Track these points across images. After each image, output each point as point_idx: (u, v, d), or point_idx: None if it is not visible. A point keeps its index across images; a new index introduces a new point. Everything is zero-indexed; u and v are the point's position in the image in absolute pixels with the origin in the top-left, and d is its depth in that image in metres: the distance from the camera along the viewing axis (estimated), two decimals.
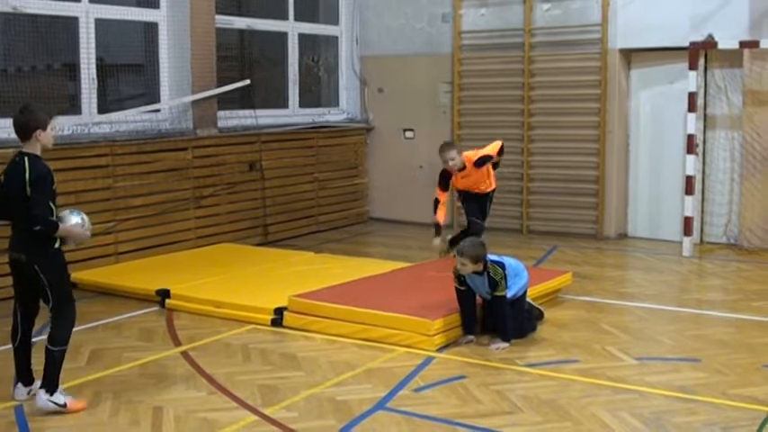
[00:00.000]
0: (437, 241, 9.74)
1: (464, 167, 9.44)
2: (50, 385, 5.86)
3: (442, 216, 9.69)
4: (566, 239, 12.12)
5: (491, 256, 7.35)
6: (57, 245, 5.82)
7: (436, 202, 9.70)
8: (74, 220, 5.93)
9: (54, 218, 5.76)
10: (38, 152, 5.81)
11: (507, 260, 7.52)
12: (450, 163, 9.37)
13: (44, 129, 5.79)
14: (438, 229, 9.68)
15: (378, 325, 7.44)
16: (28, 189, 5.66)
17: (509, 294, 7.37)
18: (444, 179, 9.65)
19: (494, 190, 9.88)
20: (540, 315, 7.98)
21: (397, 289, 8.41)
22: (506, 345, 7.24)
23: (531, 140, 12.65)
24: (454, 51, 13.07)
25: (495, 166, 9.79)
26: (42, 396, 5.84)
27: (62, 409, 5.84)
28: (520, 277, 7.58)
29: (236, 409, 5.94)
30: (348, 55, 13.96)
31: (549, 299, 8.67)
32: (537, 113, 12.60)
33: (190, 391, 6.30)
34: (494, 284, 7.23)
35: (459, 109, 13.14)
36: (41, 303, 5.98)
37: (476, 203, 9.73)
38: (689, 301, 9.05)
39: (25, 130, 5.77)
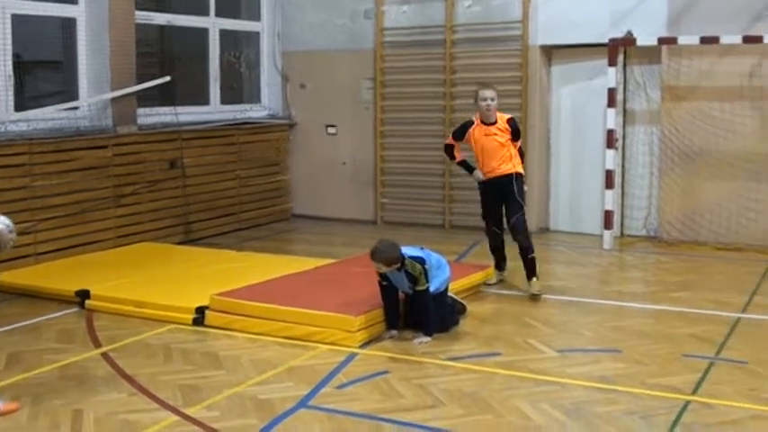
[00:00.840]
0: (478, 174, 9.03)
1: (495, 122, 8.83)
2: None
3: (459, 155, 9.15)
4: None
5: (410, 252, 7.36)
6: None
7: (449, 147, 9.19)
8: None
9: None
10: None
11: (428, 254, 7.54)
12: (491, 103, 8.72)
13: None
14: (467, 165, 9.14)
15: (300, 323, 7.41)
16: None
17: (431, 289, 7.40)
18: (462, 128, 9.05)
19: (520, 176, 8.95)
20: (463, 309, 8.03)
21: (320, 286, 8.38)
22: (429, 339, 7.27)
23: None
24: (376, 48, 13.08)
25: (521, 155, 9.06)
26: None
27: None
28: (441, 271, 7.60)
29: (158, 410, 5.86)
30: (270, 51, 13.87)
31: (472, 293, 8.71)
32: (459, 109, 12.65)
33: (110, 393, 6.20)
34: (413, 280, 7.25)
35: (381, 105, 13.15)
36: None
37: (501, 195, 8.95)
38: (610, 293, 9.17)
39: None
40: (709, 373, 6.52)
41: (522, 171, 8.96)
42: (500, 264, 9.43)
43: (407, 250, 7.37)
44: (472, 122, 8.94)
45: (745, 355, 6.93)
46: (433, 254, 7.65)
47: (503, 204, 9.02)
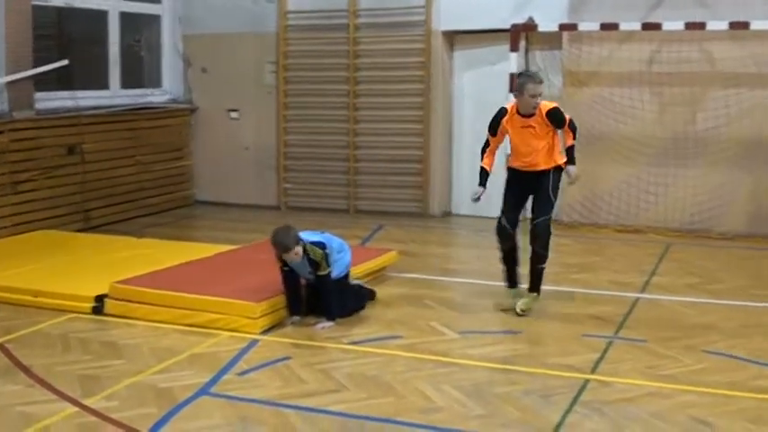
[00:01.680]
0: (479, 190, 7.78)
1: (533, 114, 7.48)
2: None
3: (489, 162, 7.80)
4: (392, 218, 12.26)
5: (311, 237, 7.35)
6: None
7: (486, 145, 7.85)
8: None
9: None
10: None
11: (329, 238, 7.53)
12: (540, 101, 7.42)
13: None
14: (484, 177, 7.78)
15: (202, 310, 7.33)
16: None
17: (333, 273, 7.39)
18: (495, 121, 7.69)
19: (558, 169, 7.68)
20: (372, 295, 8.02)
21: (222, 272, 8.30)
22: (331, 324, 7.26)
23: (357, 121, 12.72)
24: (279, 31, 12.99)
25: (570, 152, 7.72)
26: None
27: None
28: (342, 255, 7.60)
29: (55, 401, 5.74)
30: (171, 34, 13.66)
31: (375, 277, 8.73)
32: (362, 94, 12.68)
33: (6, 385, 6.04)
34: (314, 265, 7.23)
35: (284, 89, 13.08)
36: None
37: (528, 188, 7.70)
38: None
39: None
40: (607, 353, 6.66)
41: (561, 163, 7.67)
42: (514, 275, 7.97)
43: (307, 235, 7.35)
44: (505, 111, 7.63)
45: (644, 334, 7.10)
46: (334, 237, 7.64)
47: (526, 199, 7.77)
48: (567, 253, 10.31)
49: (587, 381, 6.05)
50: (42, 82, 11.29)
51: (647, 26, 10.84)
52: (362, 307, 7.75)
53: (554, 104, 7.56)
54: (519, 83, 7.52)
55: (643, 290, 8.52)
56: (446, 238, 11.41)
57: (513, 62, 11.35)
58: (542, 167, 7.58)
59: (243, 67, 13.32)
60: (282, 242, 7.15)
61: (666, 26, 10.70)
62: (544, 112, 7.45)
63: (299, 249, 7.15)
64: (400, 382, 6.00)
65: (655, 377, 6.13)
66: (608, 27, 10.97)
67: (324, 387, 5.95)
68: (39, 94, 11.22)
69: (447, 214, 12.60)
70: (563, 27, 11.30)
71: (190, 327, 7.27)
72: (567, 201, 11.74)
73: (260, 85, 13.27)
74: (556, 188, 7.64)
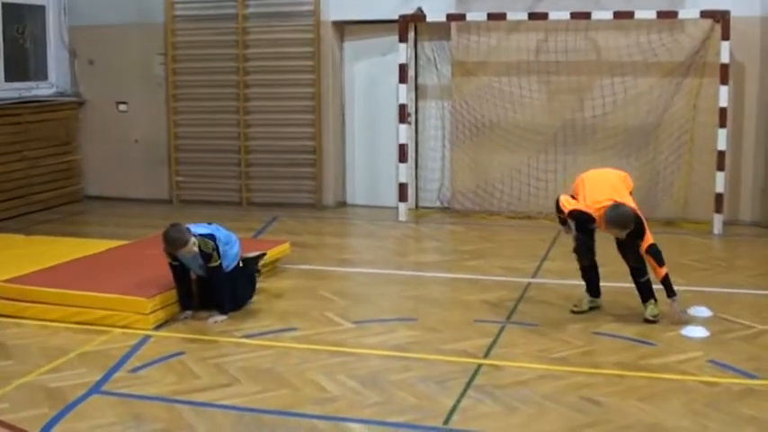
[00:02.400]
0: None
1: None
2: None
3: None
4: (286, 210, 12.23)
5: (199, 229, 7.28)
6: None
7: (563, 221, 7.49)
8: None
9: None
10: None
11: (217, 228, 7.48)
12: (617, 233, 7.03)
13: None
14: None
15: (92, 307, 7.20)
16: None
17: (224, 264, 7.34)
18: (587, 222, 7.10)
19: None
20: (258, 261, 7.94)
21: (113, 268, 8.14)
22: (224, 317, 7.22)
23: (248, 112, 12.63)
24: (167, 21, 12.79)
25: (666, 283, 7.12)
26: None
27: None
28: (231, 246, 7.54)
29: None
30: (56, 25, 13.32)
31: (269, 269, 8.69)
32: (252, 85, 12.59)
33: None
34: (206, 257, 7.18)
35: (173, 81, 12.89)
36: None
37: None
38: (406, 263, 9.38)
39: None
40: (500, 337, 6.78)
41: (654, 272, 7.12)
42: (596, 287, 7.56)
43: (196, 228, 7.29)
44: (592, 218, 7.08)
45: (536, 318, 7.26)
46: (221, 229, 7.58)
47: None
48: (460, 240, 10.46)
49: (480, 365, 6.15)
50: None
51: (533, 16, 11.03)
52: (250, 296, 7.68)
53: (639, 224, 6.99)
54: None
55: (534, 275, 8.69)
56: (341, 229, 11.43)
57: (403, 53, 11.42)
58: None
59: (131, 58, 13.08)
60: (178, 239, 7.07)
61: (553, 16, 10.90)
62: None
63: (194, 242, 7.09)
64: (295, 374, 6.00)
65: (547, 360, 6.27)
66: (495, 17, 11.12)
67: (217, 381, 5.92)
68: None
69: (341, 204, 12.62)
70: (451, 17, 11.41)
71: (81, 324, 7.13)
72: (458, 189, 11.91)
73: (149, 77, 13.05)
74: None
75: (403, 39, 11.43)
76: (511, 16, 11.08)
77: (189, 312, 7.31)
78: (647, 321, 7.11)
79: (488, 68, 11.65)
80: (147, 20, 12.89)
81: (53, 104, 13.03)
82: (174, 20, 12.79)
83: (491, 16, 11.13)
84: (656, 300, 7.21)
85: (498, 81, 11.57)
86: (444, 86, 11.98)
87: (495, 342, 6.66)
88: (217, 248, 7.22)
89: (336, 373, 6.00)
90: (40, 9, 13.27)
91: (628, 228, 6.91)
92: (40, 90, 13.12)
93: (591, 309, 7.44)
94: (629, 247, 7.11)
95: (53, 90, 13.32)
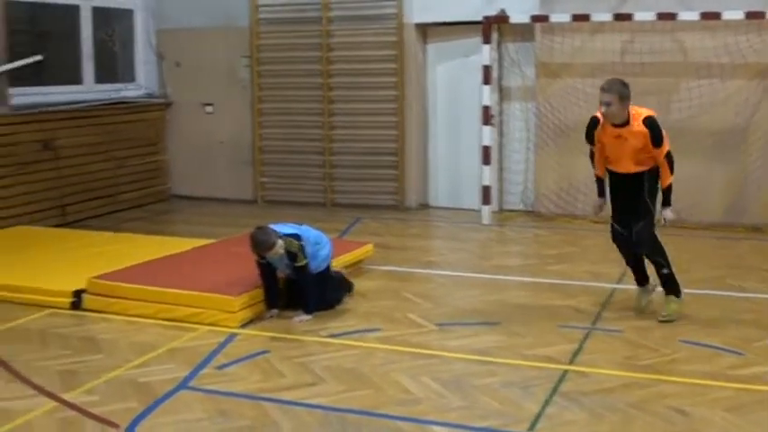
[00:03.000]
0: (599, 201, 7.49)
1: (626, 123, 6.97)
2: None
3: (600, 169, 7.39)
4: (369, 211, 12.29)
5: (285, 229, 7.36)
6: None
7: (591, 154, 7.45)
8: None
9: None
10: None
11: (306, 230, 7.54)
12: (606, 109, 6.91)
13: None
14: (601, 186, 7.44)
15: (180, 304, 7.34)
16: None
17: (312, 266, 7.40)
18: (588, 130, 7.28)
19: (653, 172, 7.10)
20: (350, 287, 8.01)
21: (200, 266, 8.29)
22: (309, 317, 7.29)
23: (332, 114, 12.72)
24: (252, 25, 12.95)
25: (666, 193, 7.13)
26: None
27: None
28: (321, 247, 7.60)
29: (35, 397, 5.74)
30: (144, 29, 13.60)
31: (352, 270, 8.73)
32: (336, 87, 12.68)
33: None
34: (292, 257, 7.24)
35: (258, 83, 13.05)
36: None
37: (626, 197, 7.23)
38: (489, 267, 9.33)
39: None
40: (585, 343, 6.70)
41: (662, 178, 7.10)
42: (644, 277, 7.56)
43: (282, 228, 7.36)
44: (596, 121, 7.17)
45: (621, 324, 7.15)
46: (310, 230, 7.65)
47: (630, 201, 7.23)
48: (544, 244, 10.39)
49: (565, 372, 6.09)
50: (16, 78, 11.22)
51: (618, 17, 10.91)
52: (340, 300, 7.75)
53: (650, 112, 7.03)
54: None
55: (619, 281, 8.58)
56: (423, 231, 11.44)
57: (486, 54, 11.39)
58: (634, 170, 7.11)
59: (217, 61, 13.28)
60: (265, 242, 7.16)
61: (638, 17, 10.77)
62: (641, 119, 6.94)
63: (281, 243, 7.17)
64: (379, 375, 6.02)
65: (632, 367, 6.18)
66: (580, 18, 11.03)
67: (302, 380, 5.97)
68: (12, 90, 11.15)
69: (423, 206, 12.63)
70: (535, 18, 11.35)
71: (168, 321, 7.27)
72: (541, 192, 11.82)
73: (234, 79, 13.23)
74: (654, 191, 7.13)
75: (486, 40, 11.40)
76: (595, 17, 10.98)
77: (275, 311, 7.39)
78: (661, 321, 7.16)
79: (573, 70, 11.55)
80: (233, 23, 13.07)
81: (141, 106, 13.29)
82: (258, 23, 12.95)
83: (575, 17, 11.04)
84: (678, 295, 7.25)
85: (582, 83, 11.46)
86: (528, 88, 11.91)
87: (580, 348, 6.60)
88: (303, 248, 7.28)
89: (420, 376, 6.00)
90: (129, 13, 13.56)
91: (614, 88, 6.85)
92: (129, 92, 13.39)
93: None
94: (637, 205, 7.06)
95: (141, 92, 13.59)
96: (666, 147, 6.99)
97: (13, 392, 5.83)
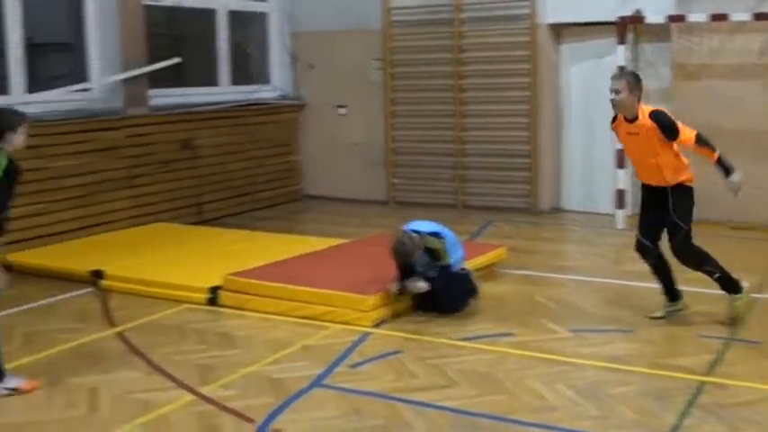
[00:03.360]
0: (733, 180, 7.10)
1: (636, 119, 6.93)
2: None
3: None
4: (501, 214, 12.21)
5: (427, 227, 7.36)
6: None
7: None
8: None
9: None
10: (9, 149, 5.80)
11: (444, 229, 7.54)
12: (615, 97, 6.90)
13: (14, 131, 5.83)
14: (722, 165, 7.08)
15: (314, 302, 7.44)
16: None
17: (450, 261, 7.41)
18: (611, 124, 7.32)
19: (680, 187, 7.08)
20: (476, 292, 7.90)
21: (334, 265, 8.39)
22: (425, 286, 7.28)
23: (464, 116, 12.70)
24: (384, 27, 13.04)
25: (721, 164, 7.03)
26: None
27: (15, 393, 5.80)
28: (457, 248, 7.59)
29: (173, 389, 5.91)
30: (278, 31, 13.85)
31: (484, 273, 8.69)
32: (468, 89, 12.65)
33: (126, 372, 6.26)
34: (434, 255, 7.26)
35: (391, 85, 13.13)
36: None
37: (653, 211, 7.20)
38: (623, 273, 9.11)
39: None
40: (724, 354, 6.50)
41: (684, 179, 7.10)
42: (669, 290, 7.47)
43: (423, 225, 7.37)
44: (615, 115, 7.17)
45: (761, 335, 6.92)
46: (446, 230, 7.63)
47: (657, 212, 7.18)
48: None
49: (703, 383, 5.92)
50: (155, 79, 11.58)
51: (759, 16, 10.56)
52: (467, 303, 7.65)
53: (658, 108, 6.93)
54: None
55: (759, 290, 8.30)
56: (555, 234, 11.30)
57: (621, 55, 11.18)
58: (658, 183, 7.04)
59: (350, 63, 13.42)
60: (407, 253, 7.22)
61: None
62: (647, 114, 6.85)
63: (420, 251, 7.19)
64: (512, 380, 5.98)
65: None
66: (718, 18, 10.71)
67: (435, 382, 5.97)
68: (152, 91, 11.51)
69: (556, 210, 12.49)
70: (671, 18, 11.07)
71: (302, 319, 7.38)
72: None
73: (367, 81, 13.35)
74: (680, 209, 7.02)
75: (621, 41, 11.18)
76: (734, 17, 10.65)
77: (397, 284, 7.39)
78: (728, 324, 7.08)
79: (710, 71, 11.23)
80: (366, 26, 13.18)
81: (276, 107, 13.54)
82: (391, 26, 13.03)
83: (713, 17, 10.73)
84: (738, 291, 7.18)
85: (721, 85, 11.14)
86: (664, 90, 11.61)
87: (718, 359, 6.40)
88: (446, 247, 7.27)
89: (554, 382, 5.93)
90: (264, 16, 13.82)
91: (624, 76, 6.97)
92: (264, 93, 13.65)
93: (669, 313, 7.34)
94: (666, 222, 7.03)
95: (276, 93, 13.83)
96: (690, 133, 6.88)
97: (153, 384, 6.02)
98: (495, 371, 6.16)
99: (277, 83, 13.95)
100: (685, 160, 7.13)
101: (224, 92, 12.95)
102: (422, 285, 7.30)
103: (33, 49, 10.35)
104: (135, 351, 6.71)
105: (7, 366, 5.95)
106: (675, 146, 6.96)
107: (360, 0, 13.23)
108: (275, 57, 13.93)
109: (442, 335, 6.98)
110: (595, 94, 12.02)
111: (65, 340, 6.96)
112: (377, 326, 7.19)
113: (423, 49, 12.90)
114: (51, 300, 8.17)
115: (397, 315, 7.44)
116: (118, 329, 7.27)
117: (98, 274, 8.59)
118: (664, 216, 7.09)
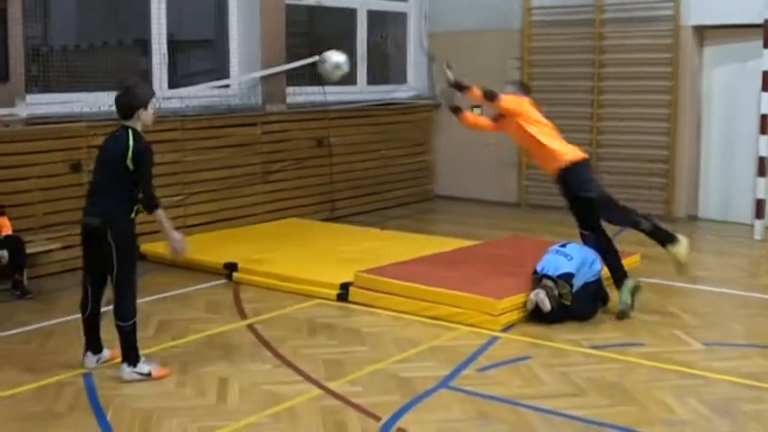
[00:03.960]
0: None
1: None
2: (131, 358, 6.02)
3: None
4: None
5: (557, 267, 7.31)
6: (133, 215, 5.94)
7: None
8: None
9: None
10: (138, 129, 5.95)
11: (577, 254, 7.44)
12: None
13: (146, 108, 5.95)
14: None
15: (443, 303, 7.43)
16: (129, 162, 5.80)
17: (579, 282, 7.31)
18: None
19: (570, 169, 7.73)
20: (606, 299, 7.80)
21: (463, 267, 8.35)
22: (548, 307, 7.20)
23: (601, 119, 12.50)
24: (524, 27, 12.95)
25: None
26: (126, 369, 6.01)
27: (148, 378, 6.00)
28: (590, 267, 7.47)
29: (301, 383, 6.00)
30: (416, 31, 13.90)
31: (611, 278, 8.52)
32: (607, 91, 12.44)
33: (255, 364, 6.39)
34: (559, 295, 7.20)
35: (529, 85, 12.98)
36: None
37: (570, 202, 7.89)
38: (759, 286, 8.84)
39: (128, 108, 5.92)
40: None
41: (564, 163, 7.71)
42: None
43: (553, 263, 7.33)
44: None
45: None
46: (580, 250, 7.52)
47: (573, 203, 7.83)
48: None
49: None
50: (293, 77, 11.76)
51: None
52: (595, 312, 7.52)
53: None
54: None
55: None
56: (692, 243, 10.94)
57: (767, 59, 10.81)
58: (549, 166, 7.87)
59: (487, 63, 13.32)
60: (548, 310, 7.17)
61: None
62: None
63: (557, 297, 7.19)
64: (642, 392, 5.85)
65: None
66: None
67: (564, 390, 5.90)
68: (290, 89, 11.70)
69: (693, 218, 12.15)
70: None
71: (431, 319, 7.39)
72: None
73: (504, 81, 13.21)
74: (582, 183, 7.66)
75: None
76: None
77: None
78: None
79: None
80: (504, 26, 13.11)
81: (410, 107, 13.59)
82: (530, 25, 12.92)
83: None
84: (673, 241, 7.60)
85: None
86: None
87: None
88: (570, 291, 7.21)
89: (686, 396, 5.77)
90: (403, 16, 13.89)
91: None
92: (399, 93, 13.72)
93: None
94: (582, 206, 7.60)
95: (412, 93, 13.88)
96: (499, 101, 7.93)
97: (281, 377, 6.12)
98: (625, 381, 6.04)
99: (413, 83, 13.99)
100: (554, 145, 7.79)
101: (360, 91, 13.08)
102: (546, 306, 7.21)
103: (175, 46, 10.64)
104: (265, 343, 6.84)
105: (142, 352, 6.14)
106: (535, 134, 7.84)
107: (499, 0, 13.16)
108: (412, 56, 13.98)
109: (571, 342, 6.89)
110: (738, 100, 11.71)
111: (197, 330, 7.16)
112: (505, 330, 7.15)
113: (562, 49, 12.75)
114: (186, 290, 8.41)
115: (525, 320, 7.37)
116: (249, 321, 7.42)
117: (232, 267, 8.78)
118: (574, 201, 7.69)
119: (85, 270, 6.18)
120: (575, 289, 7.30)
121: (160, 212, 5.96)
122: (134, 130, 5.89)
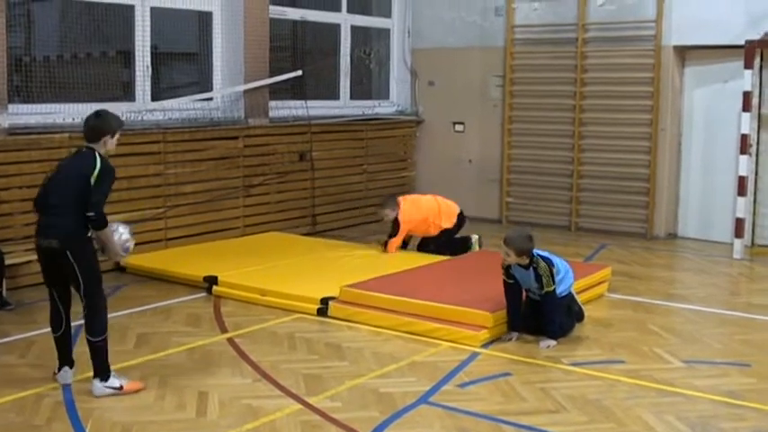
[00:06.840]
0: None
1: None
2: (102, 373, 5.98)
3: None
4: (614, 238, 12.01)
5: (539, 251, 7.29)
6: (89, 234, 5.92)
7: None
8: (121, 231, 6.09)
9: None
10: (102, 153, 5.98)
11: (555, 258, 7.46)
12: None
13: (112, 136, 6.04)
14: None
15: (424, 317, 7.43)
16: (94, 178, 5.80)
17: (558, 290, 7.30)
18: None
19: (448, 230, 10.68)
20: (581, 316, 7.83)
21: (445, 281, 8.35)
22: (555, 343, 7.17)
23: (582, 137, 12.56)
24: (507, 45, 13.00)
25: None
26: (98, 384, 5.96)
27: (120, 392, 5.96)
28: (566, 277, 7.49)
29: (281, 397, 5.98)
30: (400, 47, 13.94)
31: (590, 294, 8.57)
32: (588, 109, 12.51)
33: (235, 378, 6.37)
34: (539, 280, 7.17)
35: (510, 103, 13.07)
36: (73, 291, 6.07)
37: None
38: (739, 304, 8.89)
39: (96, 132, 5.99)
40: None
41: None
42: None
43: (538, 251, 7.31)
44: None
45: None
46: (559, 258, 7.56)
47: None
48: None
49: None
50: (276, 91, 11.77)
51: None
52: (572, 328, 7.53)
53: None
54: None
55: None
56: (670, 261, 11.05)
57: (748, 80, 10.88)
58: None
59: (469, 80, 13.41)
60: (518, 243, 7.13)
61: None
62: None
63: (527, 257, 7.14)
64: (622, 409, 5.86)
65: None
66: None
67: (543, 407, 5.90)
68: (272, 103, 11.70)
69: (672, 236, 12.21)
70: None
71: (411, 335, 7.38)
72: None
73: (485, 98, 13.31)
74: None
75: (749, 65, 10.88)
76: None
77: (514, 334, 7.34)
78: None
79: None
80: (487, 43, 13.17)
81: (393, 122, 13.62)
82: (513, 43, 12.98)
83: None
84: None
85: None
86: None
87: None
88: (552, 274, 7.20)
89: (665, 413, 5.79)
90: (386, 32, 13.94)
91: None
92: (382, 108, 13.74)
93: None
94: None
95: (394, 109, 13.91)
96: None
97: (260, 391, 6.10)
98: (605, 398, 6.05)
99: (396, 98, 14.03)
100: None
101: (343, 106, 13.11)
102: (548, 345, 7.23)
103: (158, 58, 10.63)
104: (245, 357, 6.82)
105: (121, 365, 6.11)
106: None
107: (483, 17, 13.24)
108: (395, 72, 14.02)
109: (551, 359, 6.89)
110: (718, 120, 11.80)
111: (177, 343, 7.13)
112: (485, 346, 7.15)
113: (544, 67, 12.82)
114: (166, 303, 8.38)
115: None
116: (229, 335, 7.40)
117: (212, 280, 8.75)
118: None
119: (48, 286, 6.14)
120: (559, 291, 7.31)
121: (106, 230, 5.94)
122: (99, 153, 5.94)
